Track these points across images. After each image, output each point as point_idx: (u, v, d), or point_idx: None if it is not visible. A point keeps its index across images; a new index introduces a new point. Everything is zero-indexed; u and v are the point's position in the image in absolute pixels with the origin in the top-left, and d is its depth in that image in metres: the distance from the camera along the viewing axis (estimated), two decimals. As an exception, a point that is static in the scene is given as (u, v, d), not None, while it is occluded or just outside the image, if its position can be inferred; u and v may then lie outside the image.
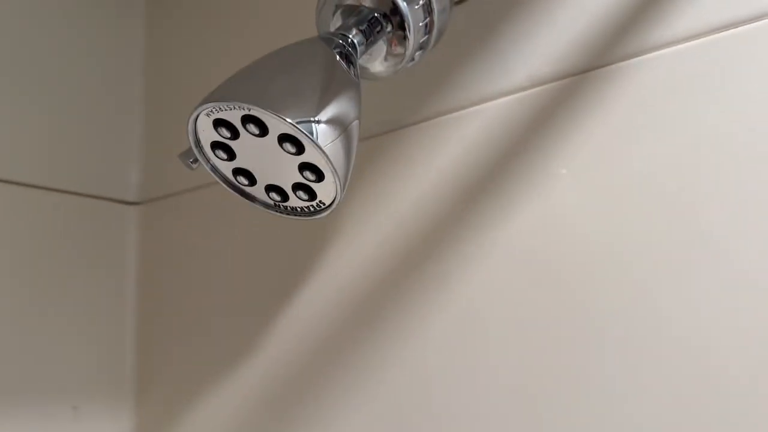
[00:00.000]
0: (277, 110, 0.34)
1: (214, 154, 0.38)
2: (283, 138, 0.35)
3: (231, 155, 0.38)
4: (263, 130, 0.35)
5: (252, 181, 0.39)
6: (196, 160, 0.39)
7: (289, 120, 0.34)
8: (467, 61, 0.52)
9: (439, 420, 0.49)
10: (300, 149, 0.35)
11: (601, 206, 0.45)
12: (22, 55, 0.65)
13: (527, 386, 0.46)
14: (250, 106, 0.34)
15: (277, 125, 0.35)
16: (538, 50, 0.49)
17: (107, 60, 0.71)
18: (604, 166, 0.45)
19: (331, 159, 0.35)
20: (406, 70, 0.47)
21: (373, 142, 0.56)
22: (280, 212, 0.40)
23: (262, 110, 0.34)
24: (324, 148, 0.35)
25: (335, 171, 0.35)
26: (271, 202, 0.40)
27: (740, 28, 0.41)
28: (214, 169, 0.39)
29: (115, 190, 0.70)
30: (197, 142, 0.38)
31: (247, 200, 0.40)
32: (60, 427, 0.62)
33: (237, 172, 0.39)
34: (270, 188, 0.39)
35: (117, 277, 0.69)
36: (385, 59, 0.44)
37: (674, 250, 0.41)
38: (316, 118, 0.35)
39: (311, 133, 0.34)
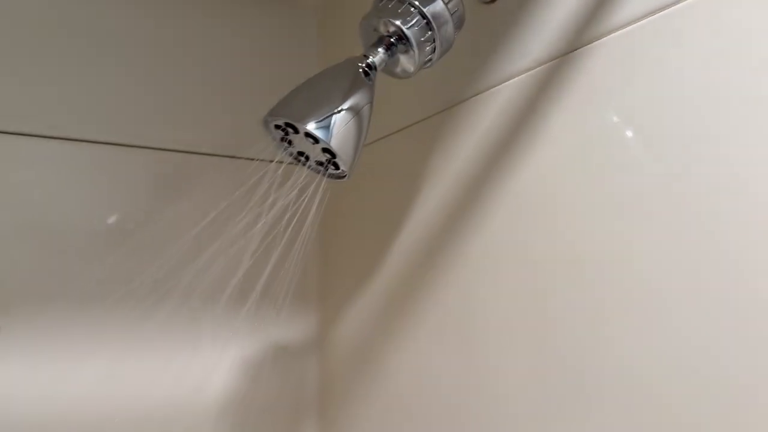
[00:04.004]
0: (297, 120, 0.57)
1: (284, 144, 0.62)
2: (306, 134, 0.58)
3: (291, 144, 0.62)
4: (296, 130, 0.58)
5: (307, 158, 0.62)
6: (284, 148, 0.63)
7: (304, 126, 0.56)
8: (495, 48, 0.69)
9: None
10: (316, 140, 0.58)
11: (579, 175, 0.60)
12: (225, 62, 0.95)
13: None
14: (284, 119, 0.57)
15: (300, 128, 0.57)
16: (537, 39, 0.64)
17: (289, 65, 0.99)
18: (581, 131, 0.59)
19: (336, 144, 0.57)
20: (438, 65, 0.66)
21: (434, 120, 0.76)
22: (325, 176, 0.63)
23: (291, 121, 0.57)
24: (330, 141, 0.56)
25: (338, 153, 0.57)
26: (320, 170, 0.63)
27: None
28: (290, 153, 0.63)
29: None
30: (275, 138, 0.62)
31: (308, 169, 0.63)
32: (267, 321, 0.93)
33: (300, 153, 0.63)
34: (317, 162, 0.62)
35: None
36: (406, 65, 0.64)
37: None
38: (338, 110, 0.57)
39: (322, 129, 0.56)
